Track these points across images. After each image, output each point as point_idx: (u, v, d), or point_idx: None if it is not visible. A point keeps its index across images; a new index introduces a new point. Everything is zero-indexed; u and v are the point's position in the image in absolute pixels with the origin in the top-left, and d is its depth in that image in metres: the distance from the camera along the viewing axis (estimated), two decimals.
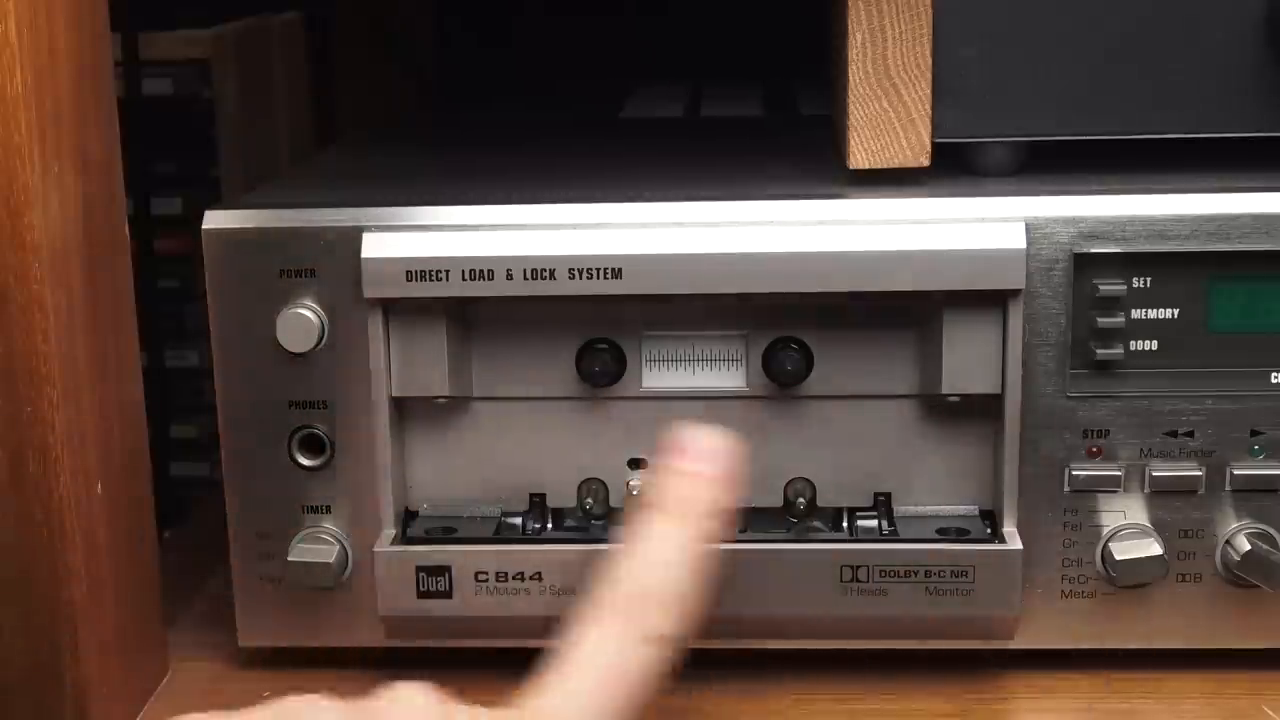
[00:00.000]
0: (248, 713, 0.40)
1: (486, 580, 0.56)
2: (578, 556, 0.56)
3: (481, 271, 0.55)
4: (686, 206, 0.56)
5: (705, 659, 0.59)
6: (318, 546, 0.57)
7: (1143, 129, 0.57)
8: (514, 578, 0.56)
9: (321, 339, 0.56)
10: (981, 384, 0.55)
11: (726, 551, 0.56)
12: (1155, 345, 0.56)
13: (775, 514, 0.58)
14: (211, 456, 0.73)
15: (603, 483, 0.58)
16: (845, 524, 0.58)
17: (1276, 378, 0.56)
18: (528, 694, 0.42)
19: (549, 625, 0.57)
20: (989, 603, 0.56)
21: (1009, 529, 0.56)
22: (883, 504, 0.58)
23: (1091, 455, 0.56)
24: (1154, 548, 0.56)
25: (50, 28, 0.51)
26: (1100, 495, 0.56)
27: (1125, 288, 0.55)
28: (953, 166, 0.59)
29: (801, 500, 0.58)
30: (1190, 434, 0.56)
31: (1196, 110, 0.57)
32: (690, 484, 0.46)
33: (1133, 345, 0.56)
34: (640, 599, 0.43)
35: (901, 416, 0.57)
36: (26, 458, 0.51)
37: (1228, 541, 0.56)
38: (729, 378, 0.57)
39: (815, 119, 0.76)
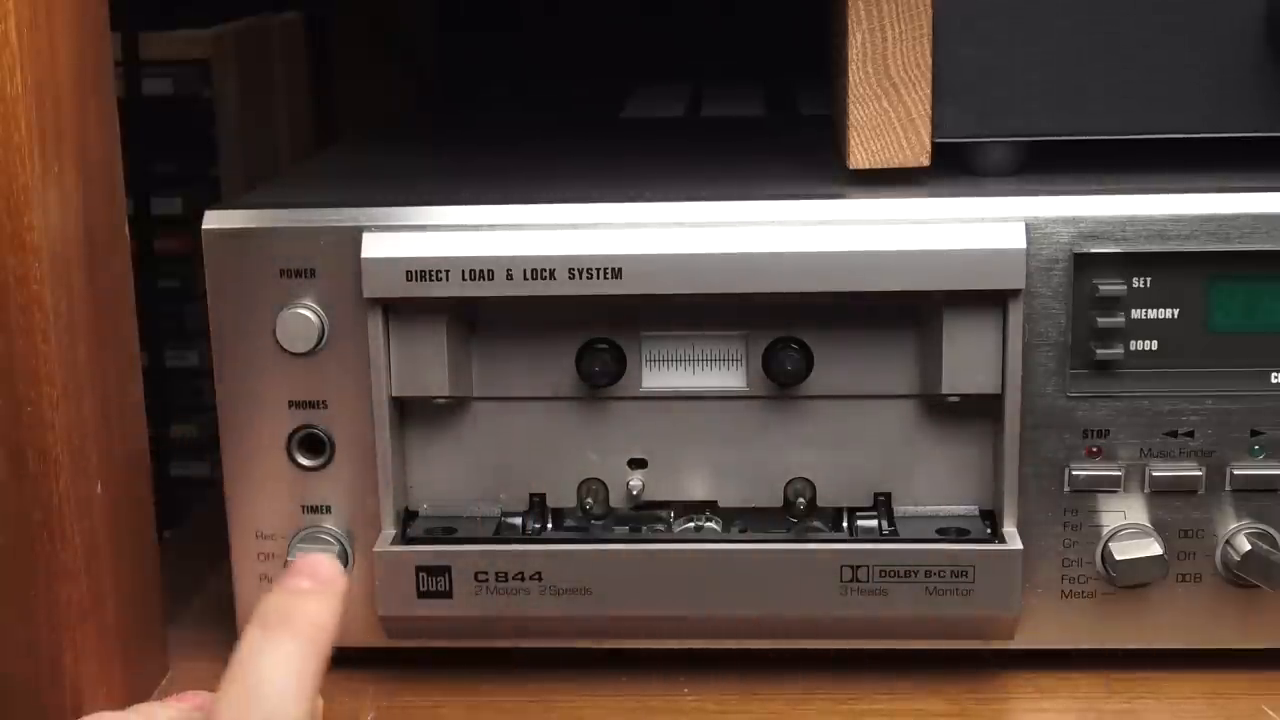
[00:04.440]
0: None
1: (486, 580, 0.56)
2: (578, 556, 0.56)
3: (481, 271, 0.55)
4: (686, 206, 0.56)
5: (705, 659, 0.59)
6: (318, 546, 0.57)
7: (1143, 129, 0.57)
8: (514, 578, 0.56)
9: (321, 339, 0.56)
10: (981, 384, 0.55)
11: (727, 551, 0.57)
12: (1155, 345, 0.56)
13: (775, 514, 0.58)
14: (211, 456, 0.73)
15: (603, 483, 0.58)
16: (845, 524, 0.58)
17: (1276, 378, 0.56)
18: None
19: (549, 625, 0.57)
20: (989, 603, 0.56)
21: (1009, 529, 0.56)
22: (883, 504, 0.58)
23: (1091, 455, 0.56)
24: (1154, 548, 0.56)
25: (50, 28, 0.51)
26: (1100, 495, 0.56)
27: (1125, 288, 0.55)
28: (953, 166, 0.59)
29: (801, 500, 0.58)
30: (1190, 434, 0.56)
31: (1196, 110, 0.57)
32: (291, 598, 0.43)
33: (1133, 345, 0.56)
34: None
35: (901, 416, 0.57)
36: (26, 458, 0.51)
37: (1228, 541, 0.56)
38: (729, 378, 0.57)
39: (815, 119, 0.76)
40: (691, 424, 0.58)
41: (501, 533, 0.58)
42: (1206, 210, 0.54)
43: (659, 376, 0.58)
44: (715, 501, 0.58)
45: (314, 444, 0.57)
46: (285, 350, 0.56)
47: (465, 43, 1.04)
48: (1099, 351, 0.55)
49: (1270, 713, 0.56)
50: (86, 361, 0.53)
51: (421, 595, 0.57)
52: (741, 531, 0.58)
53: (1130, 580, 0.56)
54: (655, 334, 0.57)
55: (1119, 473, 0.56)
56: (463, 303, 0.56)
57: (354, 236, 0.55)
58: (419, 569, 0.56)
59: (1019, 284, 0.54)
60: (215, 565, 0.65)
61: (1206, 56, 0.56)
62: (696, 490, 0.58)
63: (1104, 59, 0.56)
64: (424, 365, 0.56)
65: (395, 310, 0.56)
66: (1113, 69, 0.56)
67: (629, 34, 1.03)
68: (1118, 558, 0.56)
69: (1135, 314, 0.56)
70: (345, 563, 0.58)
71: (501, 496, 0.59)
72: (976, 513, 0.57)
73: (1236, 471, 0.56)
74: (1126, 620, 0.57)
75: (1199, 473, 0.56)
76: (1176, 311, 0.56)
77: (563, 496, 0.59)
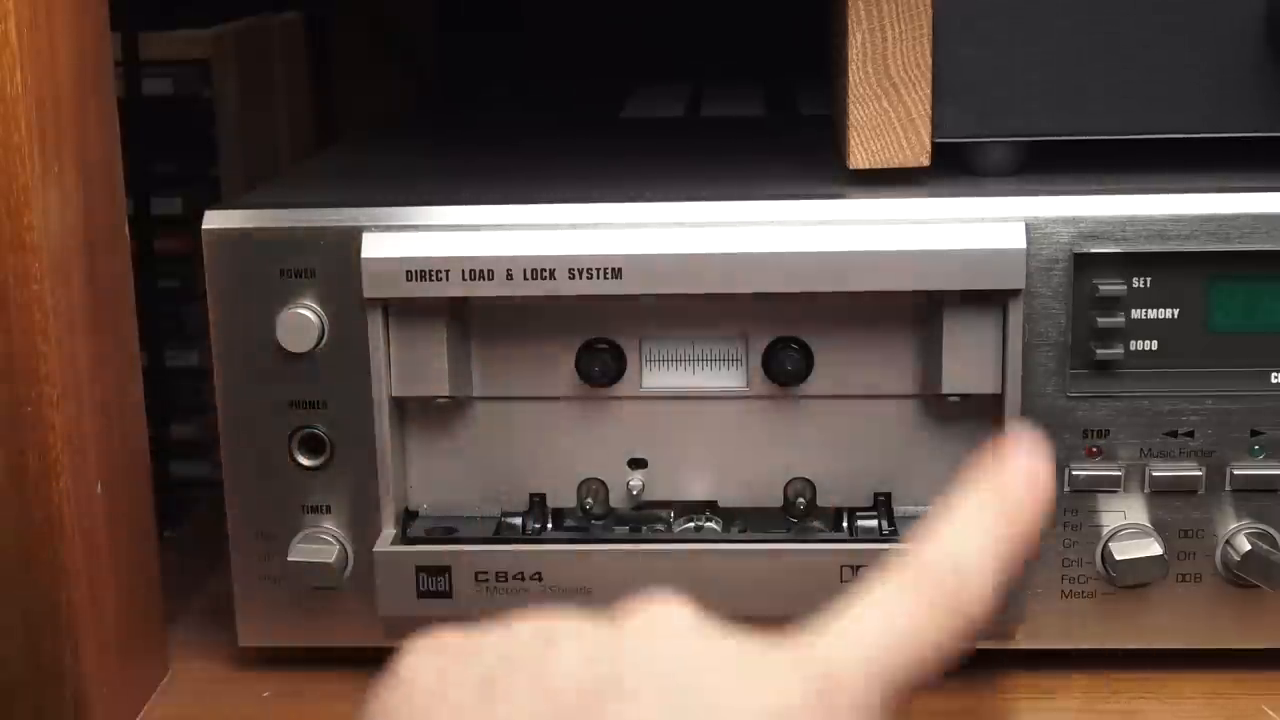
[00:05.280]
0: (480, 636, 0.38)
1: (486, 580, 0.56)
2: (578, 556, 0.56)
3: (481, 271, 0.55)
4: (686, 206, 0.56)
5: None
6: (318, 546, 0.57)
7: (1143, 129, 0.57)
8: (514, 578, 0.56)
9: (321, 339, 0.56)
10: (981, 384, 0.55)
11: (727, 551, 0.57)
12: (1155, 345, 0.56)
13: (775, 514, 0.58)
14: (211, 456, 0.73)
15: (603, 483, 0.58)
16: (845, 524, 0.58)
17: (1276, 378, 0.56)
18: (799, 634, 0.37)
19: None
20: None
21: None
22: (883, 504, 0.58)
23: (1091, 455, 0.56)
24: (1154, 548, 0.56)
25: (50, 28, 0.51)
26: (1100, 495, 0.56)
27: (1125, 288, 0.55)
28: (953, 166, 0.59)
29: (801, 500, 0.58)
30: (1190, 434, 0.56)
31: (1196, 110, 0.57)
32: (1011, 481, 0.40)
33: (1133, 345, 0.56)
34: (946, 568, 0.37)
35: (901, 416, 0.57)
36: (26, 457, 0.51)
37: (1228, 541, 0.56)
38: (729, 378, 0.57)
39: (815, 119, 0.76)
40: (691, 424, 0.58)
41: (501, 533, 0.58)
42: (1206, 210, 0.54)
43: (659, 376, 0.58)
44: (715, 501, 0.58)
45: (314, 444, 0.57)
46: (285, 350, 0.56)
47: (465, 43, 1.04)
48: (1099, 351, 0.55)
49: (1270, 713, 0.56)
50: (86, 361, 0.53)
51: (421, 595, 0.57)
52: (741, 531, 0.58)
53: (1130, 580, 0.56)
54: (655, 334, 0.57)
55: (1119, 473, 0.56)
56: (463, 303, 0.56)
57: (354, 236, 0.55)
58: (419, 569, 0.56)
59: (1019, 284, 0.54)
60: (215, 565, 0.65)
61: (1206, 56, 0.56)
62: (696, 490, 0.58)
63: (1104, 59, 0.56)
64: (424, 365, 0.56)
65: (395, 310, 0.56)
66: (1113, 69, 0.56)
67: (629, 34, 1.03)
68: (1118, 558, 0.56)
69: (1135, 314, 0.56)
70: (345, 563, 0.58)
71: (501, 496, 0.59)
72: None
73: (1236, 471, 0.56)
74: (1126, 620, 0.57)
75: (1199, 473, 0.56)
76: (1176, 311, 0.56)
77: (563, 496, 0.59)
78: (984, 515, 0.39)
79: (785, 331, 0.57)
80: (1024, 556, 0.39)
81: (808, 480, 0.58)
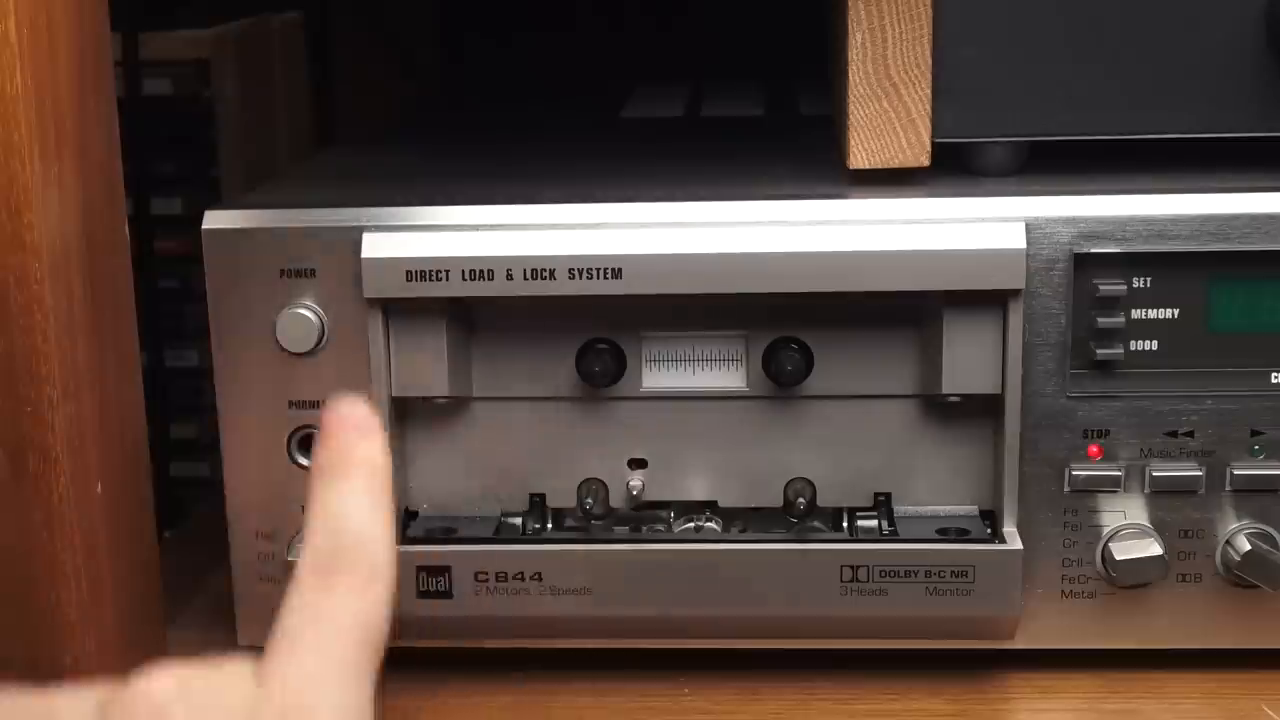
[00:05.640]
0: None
1: (486, 580, 0.56)
2: (578, 556, 0.56)
3: (481, 271, 0.55)
4: (686, 206, 0.56)
5: (705, 659, 0.59)
6: None
7: (1143, 129, 0.57)
8: (514, 578, 0.56)
9: (321, 339, 0.56)
10: (981, 384, 0.55)
11: (727, 551, 0.57)
12: (1155, 345, 0.56)
13: (775, 514, 0.58)
14: (211, 456, 0.73)
15: (603, 483, 0.58)
16: (845, 524, 0.58)
17: (1276, 378, 0.56)
18: (256, 678, 0.38)
19: (548, 625, 0.57)
20: (989, 603, 0.56)
21: (1009, 529, 0.56)
22: (883, 504, 0.58)
23: (1091, 455, 0.56)
24: (1154, 548, 0.56)
25: (50, 28, 0.51)
26: (1100, 495, 0.56)
27: (1125, 288, 0.55)
28: (953, 166, 0.59)
29: (801, 500, 0.58)
30: (1190, 434, 0.56)
31: (1196, 110, 0.57)
32: (341, 448, 0.43)
33: (1133, 345, 0.56)
34: (337, 552, 0.40)
35: (901, 416, 0.57)
36: (26, 457, 0.51)
37: (1228, 541, 0.56)
38: (729, 378, 0.57)
39: (815, 119, 0.76)
40: (691, 424, 0.58)
41: (501, 533, 0.58)
42: (1206, 210, 0.54)
43: (659, 376, 0.58)
44: (715, 501, 0.58)
45: (314, 444, 0.57)
46: (285, 350, 0.56)
47: (465, 43, 1.04)
48: (1099, 351, 0.55)
49: (1270, 713, 0.56)
50: (86, 361, 0.53)
51: (421, 595, 0.57)
52: (741, 531, 0.58)
53: (1130, 580, 0.56)
54: (655, 334, 0.57)
55: (1119, 473, 0.56)
56: (463, 303, 0.56)
57: (354, 236, 0.55)
58: (419, 569, 0.56)
59: (1019, 284, 0.54)
60: (215, 565, 0.65)
61: (1206, 56, 0.56)
62: (696, 490, 0.58)
63: (1104, 59, 0.56)
64: (424, 365, 0.56)
65: (395, 310, 0.56)
66: (1113, 69, 0.56)
67: (629, 34, 1.03)
68: (1118, 558, 0.56)
69: (1135, 314, 0.56)
70: None
71: (501, 496, 0.59)
72: (976, 513, 0.57)
73: (1236, 471, 0.56)
74: (1126, 620, 0.57)
75: (1199, 473, 0.56)
76: (1176, 311, 0.56)
77: (563, 496, 0.59)
78: (338, 488, 0.41)
79: (785, 331, 0.57)
80: (385, 496, 0.42)
81: (808, 480, 0.58)
